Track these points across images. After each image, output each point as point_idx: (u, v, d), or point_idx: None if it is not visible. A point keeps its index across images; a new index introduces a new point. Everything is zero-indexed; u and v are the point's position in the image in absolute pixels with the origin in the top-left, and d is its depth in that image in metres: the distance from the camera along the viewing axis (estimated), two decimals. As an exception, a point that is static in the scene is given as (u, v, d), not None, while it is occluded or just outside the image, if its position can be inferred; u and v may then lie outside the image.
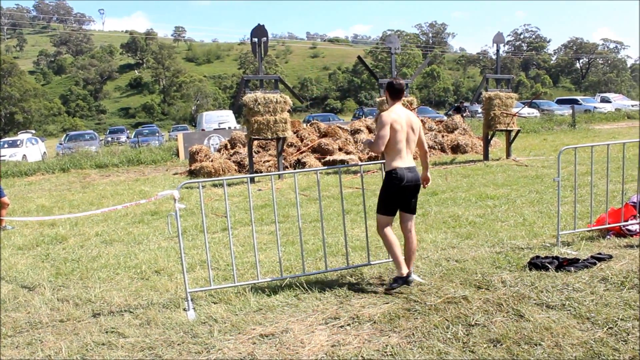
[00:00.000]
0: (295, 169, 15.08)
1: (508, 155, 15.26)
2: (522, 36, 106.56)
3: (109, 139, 35.59)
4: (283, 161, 14.54)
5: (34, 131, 47.81)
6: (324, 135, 17.53)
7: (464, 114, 25.01)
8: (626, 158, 6.76)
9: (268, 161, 15.49)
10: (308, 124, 19.76)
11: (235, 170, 15.58)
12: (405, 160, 4.98)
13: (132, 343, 4.28)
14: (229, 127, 26.47)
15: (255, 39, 13.11)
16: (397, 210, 5.11)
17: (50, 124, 75.88)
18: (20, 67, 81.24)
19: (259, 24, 13.19)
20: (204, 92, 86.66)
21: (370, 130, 18.13)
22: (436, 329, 4.12)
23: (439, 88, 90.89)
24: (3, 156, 22.60)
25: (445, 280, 5.16)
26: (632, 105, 38.73)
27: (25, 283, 6.15)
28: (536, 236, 6.60)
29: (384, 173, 5.16)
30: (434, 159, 15.84)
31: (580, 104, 37.44)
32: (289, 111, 13.46)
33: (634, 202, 6.58)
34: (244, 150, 16.30)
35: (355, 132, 18.03)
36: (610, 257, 5.42)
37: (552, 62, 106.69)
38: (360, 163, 6.28)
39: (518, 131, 15.70)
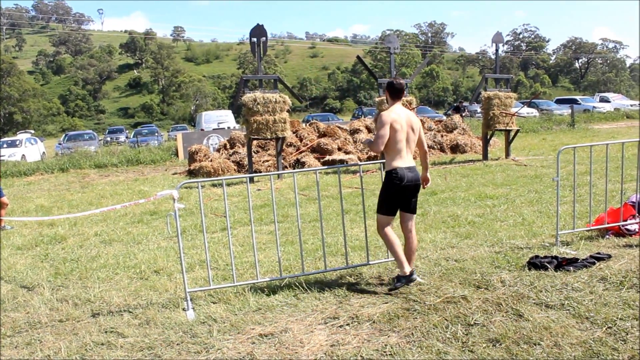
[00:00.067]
0: (294, 168, 15.08)
1: (507, 155, 15.27)
2: (521, 36, 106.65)
3: (108, 138, 35.57)
4: (282, 161, 14.53)
5: (33, 131, 47.79)
6: (323, 135, 17.52)
7: (463, 114, 25.03)
8: (625, 158, 6.77)
9: (267, 161, 15.48)
10: (307, 124, 19.75)
11: (234, 170, 15.58)
12: (405, 160, 4.97)
13: (132, 343, 4.28)
14: (228, 127, 26.45)
15: (255, 39, 13.11)
16: (397, 210, 5.11)
17: (49, 124, 75.85)
18: (19, 67, 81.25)
19: (258, 24, 13.19)
20: (203, 92, 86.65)
21: (369, 130, 18.13)
22: (435, 328, 4.12)
23: (438, 88, 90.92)
24: (2, 156, 22.57)
25: (444, 279, 5.16)
26: (631, 105, 38.75)
27: (25, 283, 6.15)
28: (535, 236, 6.60)
29: (383, 173, 5.15)
30: (433, 159, 15.84)
31: (579, 104, 37.47)
32: (288, 111, 13.46)
33: (632, 202, 6.58)
34: (243, 150, 16.30)
35: (354, 131, 18.04)
36: (609, 256, 5.43)
37: (551, 61, 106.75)
38: (359, 163, 6.28)
39: (517, 131, 15.70)
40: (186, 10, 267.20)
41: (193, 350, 4.08)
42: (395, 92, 5.10)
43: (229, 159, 16.12)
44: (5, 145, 25.39)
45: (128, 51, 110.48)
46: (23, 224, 9.58)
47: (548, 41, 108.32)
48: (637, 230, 6.33)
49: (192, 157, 16.77)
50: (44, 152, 27.85)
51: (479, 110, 27.67)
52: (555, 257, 5.36)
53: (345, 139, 17.26)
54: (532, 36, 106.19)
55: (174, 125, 51.52)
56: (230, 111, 32.99)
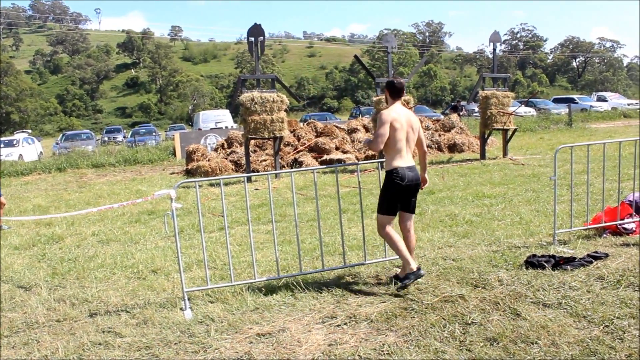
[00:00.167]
0: (292, 168, 15.08)
1: (505, 154, 15.28)
2: (518, 35, 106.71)
3: (106, 138, 35.57)
4: (280, 160, 14.53)
5: (30, 131, 47.76)
6: (320, 134, 17.52)
7: (461, 113, 25.08)
8: (622, 157, 6.77)
9: (265, 160, 15.48)
10: (305, 123, 19.75)
11: (232, 169, 15.57)
12: (405, 160, 4.97)
13: (129, 343, 4.27)
14: (226, 127, 26.47)
15: (252, 38, 13.10)
16: (398, 209, 5.10)
17: (46, 123, 75.69)
18: (17, 67, 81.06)
19: (255, 23, 13.18)
20: (200, 91, 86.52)
21: (367, 130, 18.13)
22: (433, 327, 4.12)
23: (436, 87, 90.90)
24: (-1, 156, 22.53)
25: (442, 279, 5.17)
26: (629, 104, 38.81)
27: (22, 283, 6.14)
28: (533, 235, 6.61)
29: (380, 172, 5.16)
30: (430, 158, 15.84)
31: (577, 103, 37.54)
32: (285, 110, 13.45)
33: (630, 201, 6.60)
34: (240, 150, 16.28)
35: (352, 131, 18.05)
36: (607, 255, 5.44)
37: (548, 61, 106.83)
38: (357, 162, 6.28)
39: (515, 130, 15.72)
40: (184, 9, 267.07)
41: (191, 349, 4.08)
42: (395, 92, 5.09)
43: (226, 159, 16.11)
44: (2, 145, 25.32)
45: (125, 51, 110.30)
46: (20, 224, 9.57)
47: (545, 40, 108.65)
48: (634, 229, 6.34)
49: (189, 156, 16.75)
50: (41, 152, 27.79)
51: (476, 109, 27.68)
52: (553, 256, 5.37)
53: (342, 138, 17.27)
54: (530, 35, 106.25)
55: (172, 125, 51.48)
56: (227, 111, 32.96)
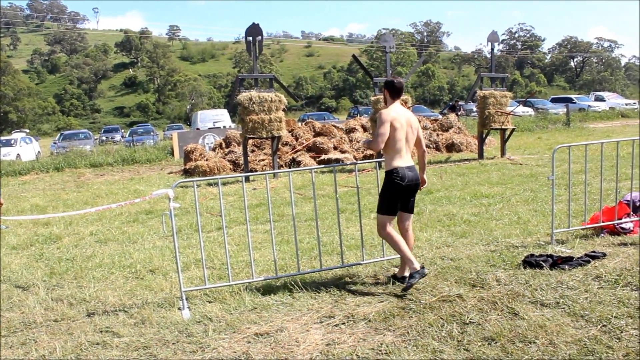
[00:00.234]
0: (290, 167, 15.07)
1: (503, 153, 15.29)
2: (516, 35, 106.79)
3: (104, 138, 35.52)
4: (278, 160, 14.52)
5: (28, 130, 47.69)
6: (318, 134, 17.52)
7: (459, 113, 25.11)
8: (620, 156, 6.78)
9: (263, 160, 15.47)
10: (303, 123, 19.73)
11: (230, 169, 15.56)
12: (405, 159, 4.97)
13: (127, 342, 4.27)
14: (224, 126, 26.44)
15: (250, 38, 13.10)
16: (398, 209, 5.10)
17: (44, 123, 75.65)
18: (14, 66, 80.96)
19: (253, 23, 13.18)
20: (198, 91, 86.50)
21: (365, 129, 18.13)
22: (431, 327, 4.13)
23: (434, 87, 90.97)
24: (-3, 155, 22.49)
25: (440, 278, 5.17)
26: (626, 104, 38.86)
27: (19, 283, 6.13)
28: (530, 234, 6.62)
29: (378, 172, 5.15)
30: (428, 158, 15.82)
31: (575, 103, 37.56)
32: (283, 110, 13.45)
33: (627, 200, 6.61)
34: (238, 149, 16.27)
35: (350, 130, 18.04)
36: (604, 255, 5.44)
37: (546, 60, 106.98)
38: (355, 162, 6.28)
39: (512, 130, 15.73)
40: (182, 9, 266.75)
41: (189, 349, 4.08)
42: (395, 91, 5.09)
43: (224, 158, 16.09)
44: (0, 145, 25.30)
45: (123, 50, 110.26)
46: (18, 224, 9.55)
47: (543, 40, 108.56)
48: (631, 228, 6.35)
49: (187, 156, 16.74)
50: (39, 152, 27.78)
51: (474, 109, 27.71)
52: (551, 256, 5.38)
53: (341, 138, 17.26)
54: (528, 35, 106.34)
55: (170, 125, 51.47)
56: (226, 110, 32.95)
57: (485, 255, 5.81)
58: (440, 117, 24.16)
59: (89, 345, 4.27)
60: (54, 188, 14.59)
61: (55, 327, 4.73)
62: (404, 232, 5.15)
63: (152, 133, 34.98)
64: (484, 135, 15.60)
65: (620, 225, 6.36)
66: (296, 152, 16.17)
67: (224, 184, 12.90)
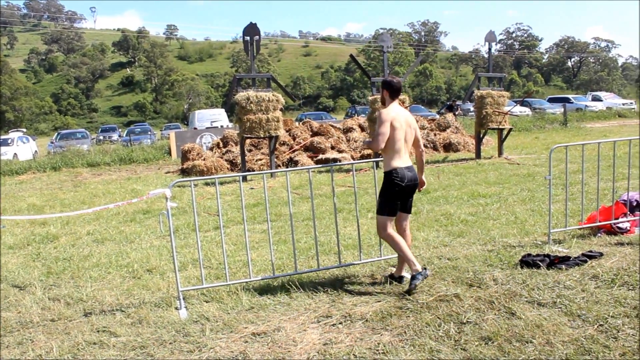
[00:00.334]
0: (287, 167, 15.07)
1: (500, 153, 15.31)
2: (514, 35, 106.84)
3: (101, 137, 35.45)
4: (275, 160, 14.52)
5: (25, 130, 47.55)
6: (316, 133, 17.52)
7: (456, 113, 25.08)
8: (617, 156, 6.80)
9: (260, 160, 15.47)
10: (300, 123, 19.73)
11: (227, 168, 15.55)
12: (404, 160, 4.97)
13: (124, 342, 4.27)
14: (221, 126, 26.42)
15: (248, 38, 13.09)
16: (398, 210, 5.09)
17: (41, 122, 75.45)
18: (11, 66, 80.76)
19: (251, 22, 13.17)
20: (196, 90, 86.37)
21: (362, 129, 18.14)
22: (428, 327, 4.13)
23: (432, 86, 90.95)
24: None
25: (437, 278, 5.17)
26: (623, 104, 38.93)
27: (16, 282, 6.12)
28: (528, 234, 6.63)
29: (376, 171, 5.15)
30: (426, 157, 15.78)
31: (572, 103, 37.63)
32: (281, 110, 13.45)
33: (624, 200, 6.62)
34: (236, 149, 16.27)
35: (347, 130, 18.05)
36: (601, 254, 5.45)
37: (543, 60, 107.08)
38: (352, 161, 6.27)
39: (510, 129, 15.75)
40: (179, 8, 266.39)
41: (186, 349, 4.08)
42: (394, 91, 5.08)
43: (222, 158, 16.09)
44: (-4, 144, 25.25)
45: (121, 49, 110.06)
46: (15, 223, 9.53)
47: (541, 40, 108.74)
48: (628, 228, 6.36)
49: (185, 155, 16.73)
50: (36, 151, 27.73)
51: (472, 108, 27.74)
52: (548, 255, 5.38)
53: (338, 137, 17.27)
54: (525, 35, 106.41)
55: (167, 124, 51.36)
56: (223, 110, 32.93)
57: (483, 254, 5.82)
58: (437, 116, 24.17)
59: (85, 345, 4.26)
60: (51, 187, 14.57)
61: (52, 326, 4.73)
62: (401, 232, 5.15)
63: (149, 132, 34.94)
64: (481, 135, 15.62)
65: (617, 225, 6.37)
66: (294, 151, 16.17)
67: (221, 183, 12.89)
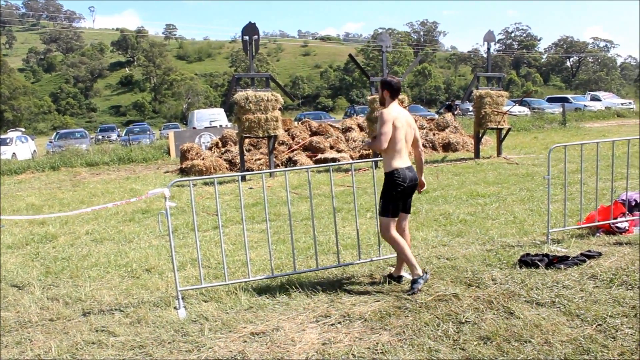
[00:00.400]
0: (286, 167, 15.07)
1: (499, 153, 15.32)
2: (513, 35, 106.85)
3: (100, 137, 35.46)
4: (274, 159, 14.52)
5: (23, 129, 47.44)
6: (315, 133, 17.52)
7: (455, 112, 25.07)
8: (616, 156, 6.80)
9: (259, 159, 15.47)
10: (299, 122, 19.74)
11: (226, 168, 15.55)
12: (404, 160, 4.96)
13: (123, 342, 4.26)
14: (220, 125, 26.44)
15: (247, 37, 13.08)
16: (400, 210, 5.09)
17: (40, 122, 75.36)
18: (10, 65, 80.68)
19: (250, 22, 13.17)
20: (195, 90, 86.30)
21: (361, 129, 18.14)
22: (427, 326, 4.13)
23: (430, 86, 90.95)
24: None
25: (436, 278, 5.17)
26: (622, 104, 38.96)
27: (15, 282, 6.12)
28: (526, 234, 6.63)
29: (375, 171, 5.14)
30: (425, 157, 15.73)
31: (571, 102, 37.65)
32: (280, 109, 13.44)
33: (623, 200, 6.63)
34: (235, 149, 16.27)
35: (346, 130, 18.05)
36: (600, 254, 5.46)
37: (542, 60, 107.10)
38: (351, 161, 6.26)
39: (509, 129, 15.76)
40: (178, 8, 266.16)
41: (184, 349, 4.07)
42: (394, 91, 5.08)
43: (221, 158, 16.09)
44: (-5, 144, 25.21)
45: (120, 49, 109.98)
46: (13, 223, 9.53)
47: (540, 40, 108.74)
48: (627, 227, 6.37)
49: (184, 155, 16.73)
50: (34, 151, 27.71)
51: (470, 108, 27.75)
52: (546, 255, 5.39)
53: (337, 137, 17.27)
54: (524, 35, 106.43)
55: (166, 124, 51.35)
56: (222, 109, 32.93)
57: (481, 254, 5.82)
58: (436, 116, 24.17)
59: (84, 345, 4.26)
60: (50, 187, 14.56)
61: (50, 326, 4.72)
62: (400, 232, 5.14)
63: (148, 132, 34.92)
64: (480, 135, 15.62)
65: (616, 225, 6.37)
66: (292, 151, 16.17)
67: (220, 183, 12.90)
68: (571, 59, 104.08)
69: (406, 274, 5.21)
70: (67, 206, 11.02)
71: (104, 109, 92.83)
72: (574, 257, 5.33)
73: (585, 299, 4.41)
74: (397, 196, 4.95)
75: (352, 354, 3.79)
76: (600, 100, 39.63)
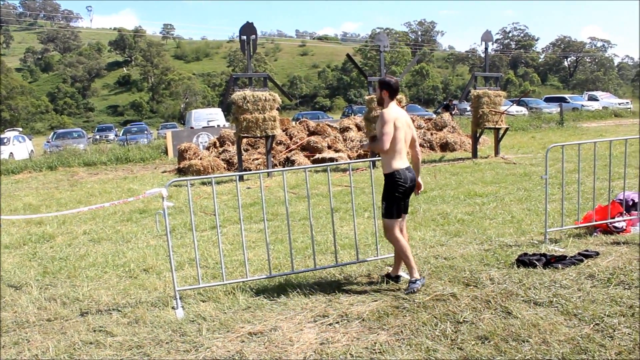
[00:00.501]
0: (284, 167, 15.06)
1: (496, 153, 15.33)
2: (510, 34, 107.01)
3: (97, 136, 35.47)
4: (272, 159, 14.51)
5: (21, 129, 47.48)
6: (313, 133, 17.52)
7: (453, 112, 25.08)
8: (613, 156, 6.82)
9: (257, 159, 15.46)
10: (297, 122, 19.74)
11: (224, 168, 15.54)
12: (404, 160, 4.96)
13: (120, 342, 4.26)
14: (218, 125, 26.41)
15: (244, 37, 13.07)
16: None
17: (37, 121, 75.22)
18: (7, 65, 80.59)
19: (247, 22, 13.16)
20: (192, 89, 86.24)
21: (359, 128, 18.14)
22: (425, 326, 4.13)
23: (428, 86, 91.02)
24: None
25: (433, 277, 5.18)
26: (619, 103, 39.04)
27: (12, 282, 6.11)
28: (524, 233, 6.64)
29: (372, 171, 5.14)
30: (423, 157, 15.85)
31: (568, 102, 37.72)
32: (278, 109, 13.44)
33: (620, 200, 6.64)
34: (232, 148, 16.26)
35: (344, 130, 18.05)
36: (597, 253, 5.47)
37: (540, 60, 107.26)
38: (349, 161, 6.27)
39: (506, 129, 15.78)
40: (176, 7, 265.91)
41: (182, 348, 4.07)
42: (393, 91, 5.07)
43: (218, 157, 16.08)
44: (-8, 143, 25.17)
45: (117, 49, 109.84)
46: (11, 223, 9.51)
47: (537, 40, 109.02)
48: (624, 227, 6.38)
49: (181, 155, 16.71)
50: (32, 150, 27.68)
51: (468, 108, 27.75)
52: (544, 255, 5.39)
53: (335, 137, 17.26)
54: (522, 35, 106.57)
55: (164, 123, 51.21)
56: (220, 109, 32.90)
57: (479, 254, 5.83)
58: (434, 116, 24.19)
59: (82, 345, 4.25)
60: (48, 187, 14.53)
61: (48, 326, 4.72)
62: (398, 232, 5.15)
63: (145, 132, 34.88)
64: (477, 135, 15.63)
65: (613, 224, 6.39)
66: (290, 151, 16.17)
67: (217, 183, 12.89)
68: (569, 59, 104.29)
69: (404, 274, 5.22)
70: (64, 206, 11.01)
71: (101, 109, 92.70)
72: (571, 257, 5.34)
73: (583, 298, 4.42)
74: (399, 197, 4.95)
75: (350, 354, 3.79)
76: (597, 100, 39.71)
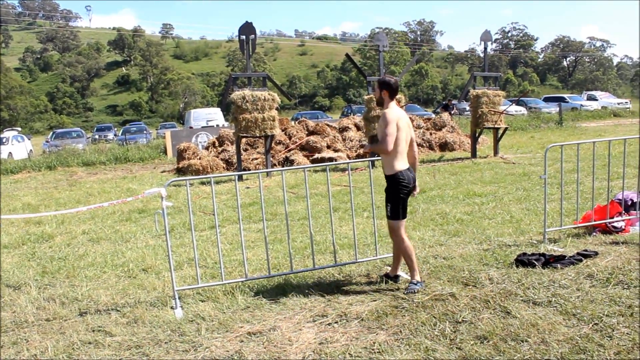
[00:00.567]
0: (283, 166, 15.06)
1: (495, 152, 15.33)
2: (509, 34, 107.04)
3: (96, 136, 35.40)
4: (271, 159, 14.51)
5: (19, 129, 47.42)
6: (312, 133, 17.51)
7: (452, 112, 25.08)
8: (612, 155, 6.81)
9: (256, 159, 15.45)
10: (296, 122, 19.73)
11: (223, 168, 15.54)
12: (405, 161, 4.95)
13: (119, 342, 4.26)
14: (217, 125, 26.38)
15: (244, 37, 13.07)
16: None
17: (36, 121, 75.21)
18: (6, 64, 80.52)
19: (247, 22, 13.16)
20: (192, 89, 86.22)
21: (358, 128, 18.13)
22: (423, 326, 4.13)
23: (427, 86, 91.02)
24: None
25: (432, 277, 5.18)
26: (618, 103, 39.05)
27: (11, 282, 6.10)
28: (523, 233, 6.64)
29: (371, 171, 5.13)
30: (422, 157, 15.88)
31: (567, 102, 37.72)
32: (277, 109, 13.44)
33: (619, 199, 6.64)
34: (232, 148, 16.25)
35: (343, 129, 18.04)
36: (596, 253, 5.47)
37: (539, 60, 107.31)
38: (348, 161, 6.27)
39: (505, 129, 15.78)
40: (175, 7, 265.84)
41: (181, 348, 4.07)
42: (393, 91, 5.06)
43: (217, 157, 16.08)
44: (-9, 143, 25.14)
45: (116, 48, 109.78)
46: (10, 222, 9.50)
47: (536, 39, 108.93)
48: (623, 227, 6.38)
49: (180, 155, 16.70)
50: (31, 150, 27.64)
51: (467, 108, 27.76)
52: (543, 255, 5.39)
53: (334, 137, 17.26)
54: (521, 34, 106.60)
55: (163, 123, 51.18)
56: (219, 109, 32.88)
57: (478, 254, 5.83)
58: (433, 116, 24.17)
59: (81, 345, 4.25)
60: (46, 187, 14.52)
61: (47, 326, 4.71)
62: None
63: (145, 132, 34.84)
64: (477, 134, 15.63)
65: (612, 224, 6.39)
66: (289, 150, 16.17)
67: (217, 182, 12.89)
68: (568, 59, 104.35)
69: (403, 274, 5.22)
70: (63, 206, 11.00)
71: (100, 109, 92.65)
72: (570, 257, 5.34)
73: (582, 298, 4.42)
74: (404, 198, 4.95)
75: (349, 354, 3.79)
76: (596, 100, 39.72)
